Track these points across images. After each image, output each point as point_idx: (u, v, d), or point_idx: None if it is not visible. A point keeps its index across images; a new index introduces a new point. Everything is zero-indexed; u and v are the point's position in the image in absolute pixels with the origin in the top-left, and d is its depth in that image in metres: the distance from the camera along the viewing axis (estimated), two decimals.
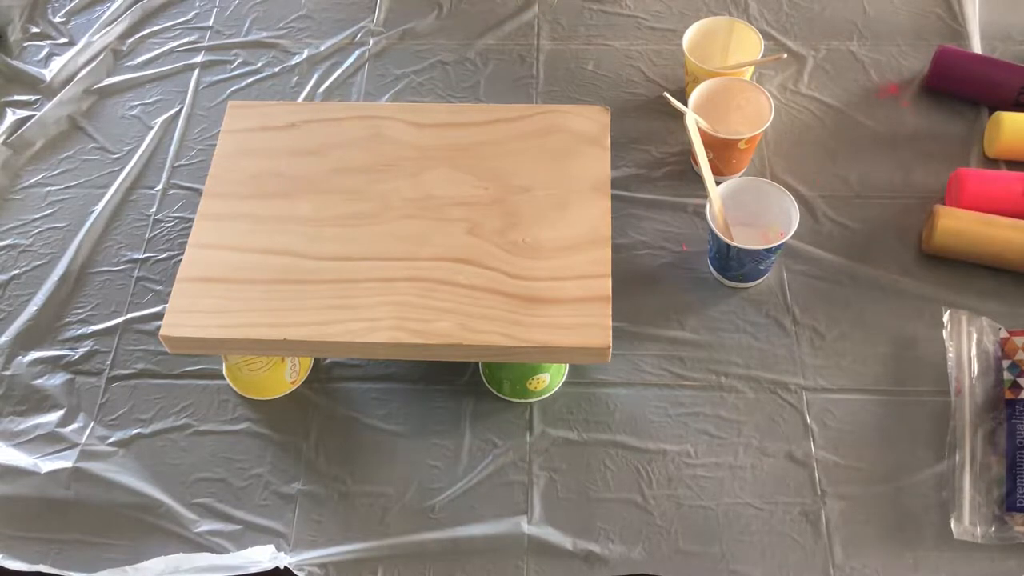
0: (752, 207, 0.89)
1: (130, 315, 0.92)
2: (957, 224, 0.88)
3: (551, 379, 0.84)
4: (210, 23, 1.16)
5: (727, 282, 0.90)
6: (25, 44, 1.15)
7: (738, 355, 0.86)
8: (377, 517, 0.79)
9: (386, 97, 1.08)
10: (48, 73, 1.11)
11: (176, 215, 0.99)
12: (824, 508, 0.78)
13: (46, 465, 0.83)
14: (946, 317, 0.85)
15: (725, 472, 0.80)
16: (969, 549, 0.75)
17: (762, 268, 0.88)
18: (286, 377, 0.86)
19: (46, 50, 1.14)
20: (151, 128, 1.06)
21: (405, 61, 1.11)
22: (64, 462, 0.83)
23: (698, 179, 0.96)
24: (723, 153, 0.94)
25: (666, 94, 0.92)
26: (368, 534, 0.78)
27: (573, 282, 0.75)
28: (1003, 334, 0.82)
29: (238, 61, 1.12)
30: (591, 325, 0.73)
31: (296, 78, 1.10)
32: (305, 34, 1.15)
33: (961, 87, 1.02)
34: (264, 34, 1.15)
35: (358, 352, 0.78)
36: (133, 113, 1.08)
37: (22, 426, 0.86)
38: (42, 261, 0.96)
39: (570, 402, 0.85)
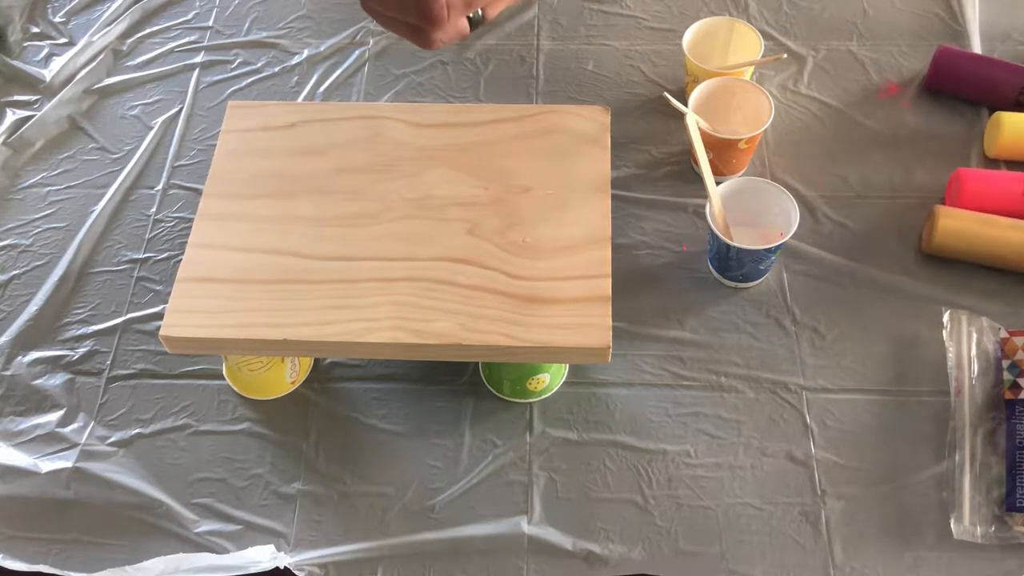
0: (752, 207, 0.89)
1: (130, 315, 0.92)
2: (957, 224, 0.88)
3: (551, 379, 0.84)
4: (210, 23, 1.16)
5: (727, 282, 0.90)
6: (25, 44, 1.15)
7: (738, 355, 0.86)
8: (377, 517, 0.79)
9: (386, 97, 1.08)
10: (48, 73, 1.11)
11: (176, 215, 0.99)
12: (824, 508, 0.78)
13: (46, 465, 0.83)
14: (946, 317, 0.85)
15: (725, 472, 0.80)
16: (969, 549, 0.75)
17: (762, 268, 0.88)
18: (286, 377, 0.86)
19: (46, 50, 1.14)
20: (151, 128, 1.06)
21: (405, 61, 1.11)
22: (64, 462, 0.83)
23: (698, 179, 0.96)
24: (723, 153, 0.94)
25: (666, 94, 0.92)
26: (368, 534, 0.78)
27: (573, 282, 0.75)
28: (1003, 334, 0.82)
29: (238, 61, 1.12)
30: (591, 325, 0.73)
31: (296, 78, 1.10)
32: (305, 34, 1.15)
33: (961, 87, 1.02)
34: (264, 34, 1.15)
35: (358, 352, 0.78)
36: (133, 113, 1.08)
37: (22, 426, 0.86)
38: (42, 261, 0.96)
39: (570, 402, 0.85)
